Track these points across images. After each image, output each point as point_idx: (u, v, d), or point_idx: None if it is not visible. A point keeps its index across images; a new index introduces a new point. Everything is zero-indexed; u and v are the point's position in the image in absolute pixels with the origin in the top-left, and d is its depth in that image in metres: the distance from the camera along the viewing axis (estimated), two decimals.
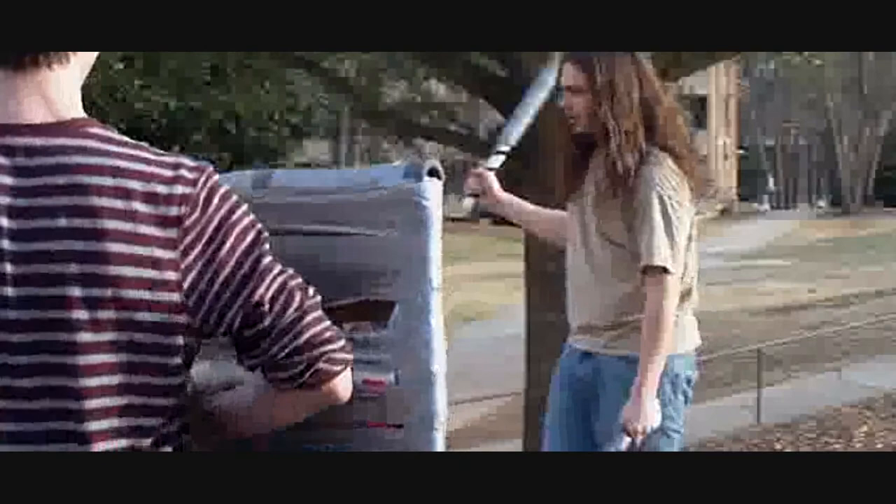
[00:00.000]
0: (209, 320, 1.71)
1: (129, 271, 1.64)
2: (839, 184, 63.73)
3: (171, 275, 1.67)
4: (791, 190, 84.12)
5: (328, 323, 1.78)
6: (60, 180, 1.64)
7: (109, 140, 1.70)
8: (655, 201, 3.83)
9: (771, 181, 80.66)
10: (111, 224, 1.64)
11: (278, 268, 1.76)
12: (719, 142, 64.20)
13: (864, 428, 13.51)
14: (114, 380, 1.66)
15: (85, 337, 1.63)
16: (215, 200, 1.72)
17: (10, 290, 1.62)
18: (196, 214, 1.70)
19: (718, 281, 26.12)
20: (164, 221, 1.67)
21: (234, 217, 1.73)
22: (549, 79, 4.12)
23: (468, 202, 4.19)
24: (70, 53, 1.71)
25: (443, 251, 2.16)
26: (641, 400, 3.76)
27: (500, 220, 4.45)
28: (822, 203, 77.38)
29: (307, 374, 1.76)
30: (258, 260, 1.73)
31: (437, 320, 2.14)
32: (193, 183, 1.71)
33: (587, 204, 4.01)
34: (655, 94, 3.96)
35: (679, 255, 3.84)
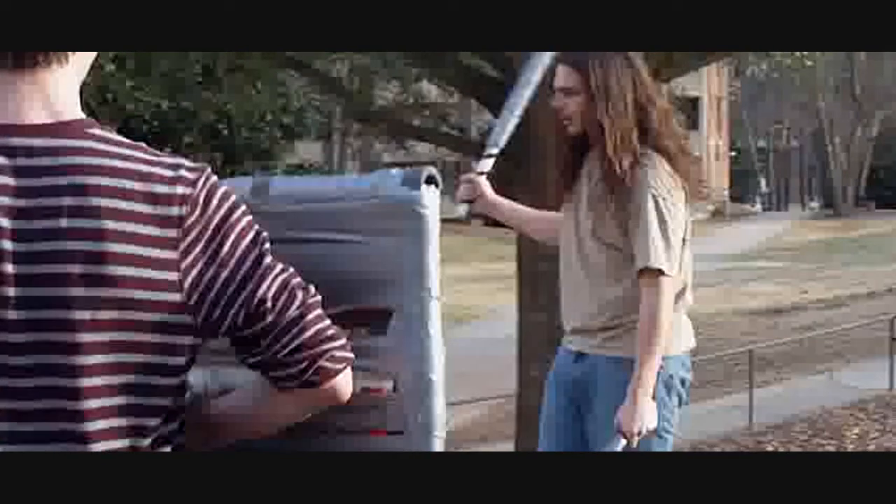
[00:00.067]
0: (211, 319, 1.71)
1: (130, 271, 1.64)
2: (831, 185, 63.87)
3: (171, 275, 1.67)
4: (783, 191, 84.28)
5: (329, 321, 1.79)
6: (61, 181, 1.64)
7: (109, 141, 1.70)
8: (651, 203, 3.83)
9: (763, 182, 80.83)
10: (112, 224, 1.64)
11: (280, 267, 1.77)
12: (711, 143, 64.37)
13: (856, 429, 13.53)
14: (113, 380, 1.66)
15: (85, 337, 1.63)
16: (215, 201, 1.73)
17: (11, 291, 1.62)
18: (196, 214, 1.70)
19: (709, 282, 26.14)
20: (164, 221, 1.67)
21: (234, 217, 1.74)
22: (532, 77, 4.11)
23: (463, 209, 4.21)
24: (69, 53, 1.71)
25: None
26: (637, 402, 3.76)
27: (492, 221, 4.46)
28: (813, 204, 77.59)
29: (309, 372, 1.77)
30: (260, 259, 1.74)
31: (435, 328, 2.15)
32: (193, 183, 1.71)
33: (581, 205, 4.01)
34: (650, 95, 3.96)
35: (675, 256, 3.85)
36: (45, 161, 1.65)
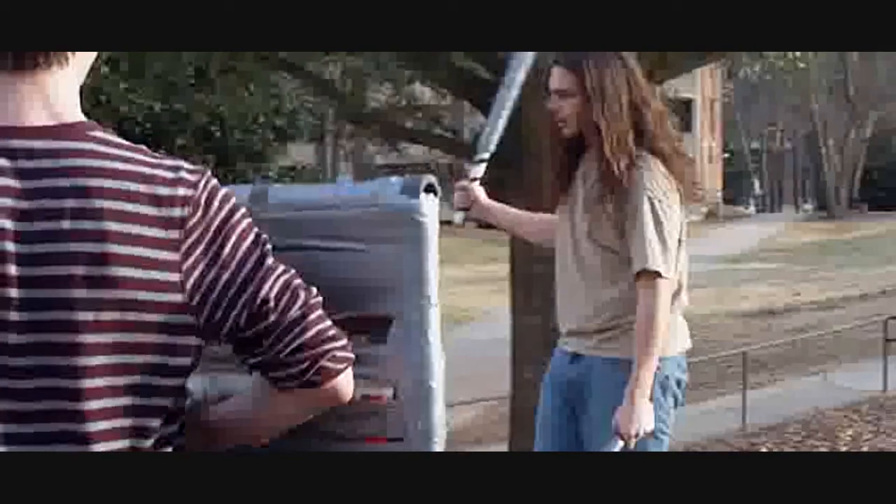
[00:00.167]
0: (213, 320, 1.72)
1: (132, 272, 1.65)
2: (824, 186, 63.85)
3: (173, 276, 1.68)
4: (776, 193, 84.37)
5: (330, 322, 1.80)
6: (63, 183, 1.65)
7: (110, 143, 1.71)
8: (647, 206, 3.83)
9: (756, 184, 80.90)
10: (116, 226, 1.64)
11: (281, 268, 1.78)
12: (704, 145, 64.37)
13: (850, 431, 13.53)
14: (115, 381, 1.67)
15: (88, 338, 1.64)
16: (216, 202, 1.74)
17: (14, 292, 1.62)
18: (198, 216, 1.71)
19: (703, 284, 26.15)
20: (166, 223, 1.68)
21: (235, 218, 1.75)
22: (515, 77, 4.10)
23: (458, 216, 4.22)
24: (69, 54, 1.72)
25: None
26: (635, 403, 3.77)
27: (485, 224, 4.46)
28: (807, 206, 77.61)
29: (311, 372, 1.78)
30: (261, 260, 1.75)
31: (435, 336, 2.17)
32: (194, 185, 1.72)
33: (577, 207, 4.01)
34: (644, 97, 3.96)
35: (671, 258, 3.85)
36: (47, 163, 1.65)
